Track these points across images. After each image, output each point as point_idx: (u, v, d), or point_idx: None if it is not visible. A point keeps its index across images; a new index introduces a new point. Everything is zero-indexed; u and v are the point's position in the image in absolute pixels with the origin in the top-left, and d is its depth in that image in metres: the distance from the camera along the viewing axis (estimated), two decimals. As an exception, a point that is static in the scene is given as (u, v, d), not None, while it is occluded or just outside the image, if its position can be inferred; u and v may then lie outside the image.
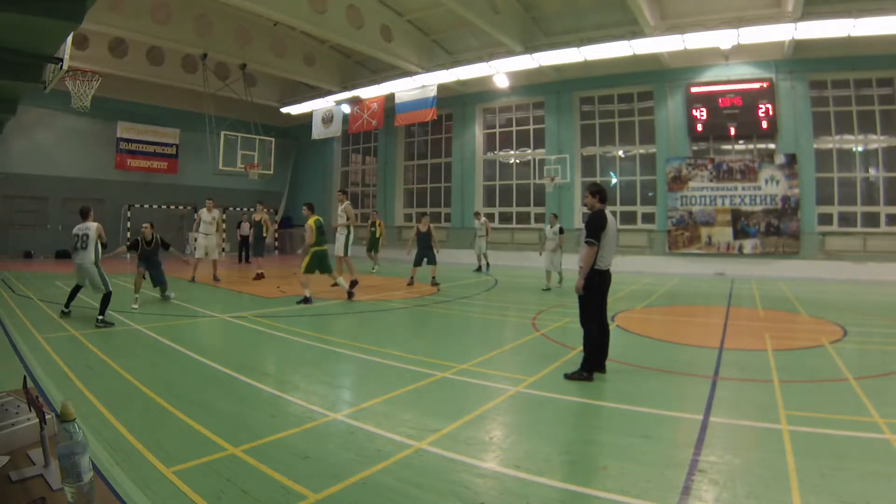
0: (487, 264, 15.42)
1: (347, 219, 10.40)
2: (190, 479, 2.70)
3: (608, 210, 4.84)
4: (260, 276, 12.08)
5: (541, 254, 10.93)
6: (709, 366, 5.16)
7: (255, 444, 3.15)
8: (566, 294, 10.63)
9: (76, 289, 7.23)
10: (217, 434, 3.28)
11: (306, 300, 8.75)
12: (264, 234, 12.30)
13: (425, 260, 11.47)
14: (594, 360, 4.72)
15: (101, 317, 6.72)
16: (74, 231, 7.01)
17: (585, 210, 5.04)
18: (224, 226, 12.21)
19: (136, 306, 8.08)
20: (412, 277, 11.56)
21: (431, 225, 11.86)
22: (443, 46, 17.82)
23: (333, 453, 3.11)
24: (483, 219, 15.55)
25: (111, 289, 6.93)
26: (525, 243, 18.70)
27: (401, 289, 11.15)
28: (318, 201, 24.58)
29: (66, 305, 7.21)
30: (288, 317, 7.74)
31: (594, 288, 4.75)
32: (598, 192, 4.84)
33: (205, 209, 11.67)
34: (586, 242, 4.70)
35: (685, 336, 6.82)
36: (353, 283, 9.72)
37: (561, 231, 10.91)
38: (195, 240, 11.86)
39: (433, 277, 11.51)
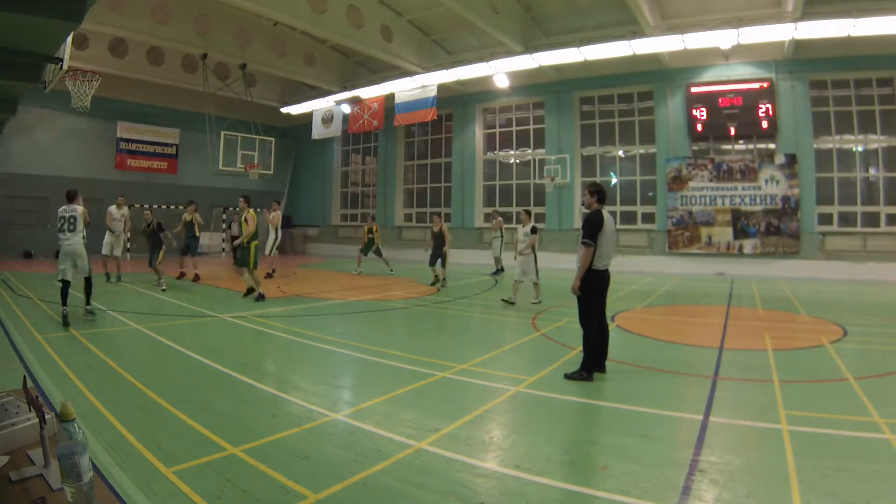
0: (501, 268, 14.61)
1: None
2: (190, 479, 2.70)
3: (606, 210, 4.83)
4: (182, 276, 11.95)
5: (515, 257, 9.07)
6: (709, 366, 5.16)
7: (255, 444, 3.15)
8: (566, 294, 10.63)
9: (66, 285, 6.73)
10: (217, 434, 3.28)
11: (262, 296, 8.87)
12: (196, 234, 11.84)
13: (439, 261, 11.52)
14: (594, 360, 4.72)
15: (88, 307, 7.00)
16: (60, 213, 6.77)
17: (584, 210, 5.04)
18: (130, 224, 11.63)
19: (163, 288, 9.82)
20: (435, 277, 11.70)
21: (444, 225, 11.77)
22: (443, 46, 17.82)
23: (333, 453, 3.11)
24: (498, 218, 14.76)
25: (91, 274, 7.04)
26: (525, 243, 18.69)
27: (401, 289, 11.15)
28: (318, 201, 24.79)
29: (64, 303, 6.66)
30: (288, 317, 7.74)
31: (592, 288, 4.74)
32: (596, 192, 4.80)
33: (114, 206, 11.13)
34: (583, 243, 4.67)
35: (685, 336, 6.82)
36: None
37: (534, 231, 9.08)
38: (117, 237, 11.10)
39: (439, 278, 11.56)
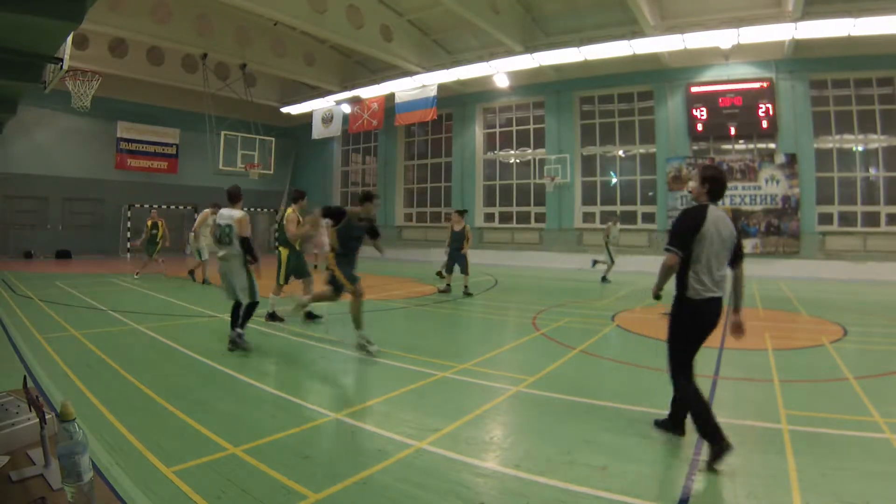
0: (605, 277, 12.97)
1: None
2: (190, 479, 2.70)
3: (717, 208, 3.22)
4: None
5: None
6: (709, 365, 5.15)
7: (255, 444, 3.15)
8: (567, 293, 10.64)
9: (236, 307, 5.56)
10: (217, 434, 3.28)
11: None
12: (159, 238, 11.86)
13: (457, 267, 10.30)
14: (681, 416, 3.38)
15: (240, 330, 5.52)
16: (217, 221, 5.58)
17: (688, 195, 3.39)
18: None
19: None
20: (448, 285, 10.51)
21: (468, 225, 10.53)
22: (443, 46, 17.82)
23: (333, 453, 3.11)
24: (608, 223, 13.12)
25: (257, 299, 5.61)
26: (525, 243, 18.72)
27: (401, 289, 11.14)
28: (318, 201, 24.75)
29: (232, 326, 5.53)
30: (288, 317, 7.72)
31: (688, 325, 3.22)
32: (710, 180, 3.21)
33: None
34: (665, 250, 3.22)
35: (685, 336, 6.79)
36: None
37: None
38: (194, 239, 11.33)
39: (465, 287, 10.31)
